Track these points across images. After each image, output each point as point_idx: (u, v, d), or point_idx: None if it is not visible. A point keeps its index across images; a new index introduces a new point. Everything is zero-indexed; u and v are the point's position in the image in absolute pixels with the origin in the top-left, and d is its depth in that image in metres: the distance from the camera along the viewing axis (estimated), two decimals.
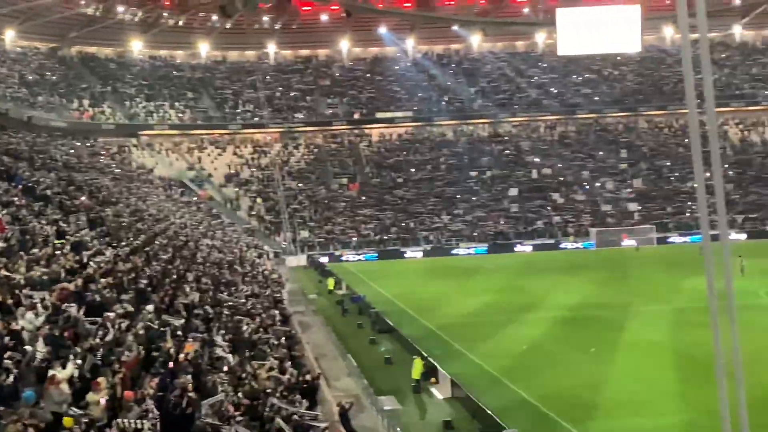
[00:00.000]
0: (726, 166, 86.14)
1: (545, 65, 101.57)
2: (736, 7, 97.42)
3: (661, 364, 32.97)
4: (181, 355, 16.26)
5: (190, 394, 13.71)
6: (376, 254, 76.45)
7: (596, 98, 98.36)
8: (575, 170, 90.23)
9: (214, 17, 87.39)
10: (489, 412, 26.04)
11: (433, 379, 31.41)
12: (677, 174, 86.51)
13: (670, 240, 77.90)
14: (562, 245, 79.17)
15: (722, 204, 4.84)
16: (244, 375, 18.74)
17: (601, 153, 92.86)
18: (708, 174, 4.86)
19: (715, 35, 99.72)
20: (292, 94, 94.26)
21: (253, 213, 79.24)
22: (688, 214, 79.50)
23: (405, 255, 76.81)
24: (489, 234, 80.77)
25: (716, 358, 5.27)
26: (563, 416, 26.87)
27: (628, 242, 77.16)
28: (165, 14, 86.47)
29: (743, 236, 76.81)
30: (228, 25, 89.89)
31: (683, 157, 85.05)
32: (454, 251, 78.18)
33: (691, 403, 26.16)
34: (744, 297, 40.97)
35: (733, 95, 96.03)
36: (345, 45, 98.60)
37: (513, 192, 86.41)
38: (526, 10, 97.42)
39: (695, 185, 5.21)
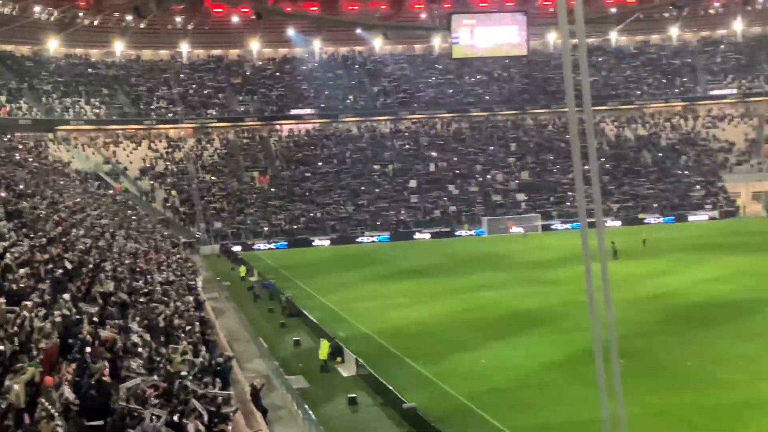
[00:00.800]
0: (602, 159, 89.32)
1: (441, 67, 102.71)
2: (612, 15, 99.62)
3: (545, 341, 33.78)
4: (98, 341, 15.88)
5: (107, 379, 13.45)
6: (286, 243, 76.42)
7: (487, 98, 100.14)
8: (469, 164, 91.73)
9: (129, 17, 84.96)
10: (390, 388, 26.58)
11: (339, 359, 31.82)
12: (559, 167, 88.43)
13: (553, 227, 79.68)
14: (457, 233, 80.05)
15: (598, 194, 5.01)
16: (158, 359, 18.50)
17: (491, 148, 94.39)
18: (586, 167, 4.93)
19: (592, 40, 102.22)
20: (205, 91, 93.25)
21: (168, 205, 77.85)
22: (568, 204, 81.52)
23: (313, 243, 77.01)
24: (391, 223, 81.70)
25: (594, 335, 5.37)
26: (458, 389, 27.50)
27: (515, 230, 78.37)
28: (81, 14, 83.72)
29: (618, 223, 79.17)
30: (142, 25, 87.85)
31: (565, 151, 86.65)
32: (359, 239, 78.84)
33: (574, 377, 26.90)
34: (617, 279, 42.10)
35: (609, 95, 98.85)
36: (255, 45, 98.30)
37: (413, 184, 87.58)
38: (423, 15, 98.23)
39: (575, 177, 5.35)
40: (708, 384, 26.74)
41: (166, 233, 61.04)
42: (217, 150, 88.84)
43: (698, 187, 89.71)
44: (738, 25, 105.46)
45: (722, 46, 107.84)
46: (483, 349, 33.79)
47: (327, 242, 77.96)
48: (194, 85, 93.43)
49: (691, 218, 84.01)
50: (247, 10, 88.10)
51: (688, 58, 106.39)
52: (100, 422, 12.29)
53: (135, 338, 18.84)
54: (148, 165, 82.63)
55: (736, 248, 59.87)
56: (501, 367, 30.56)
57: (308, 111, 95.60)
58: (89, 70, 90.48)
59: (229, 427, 15.71)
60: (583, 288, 5.67)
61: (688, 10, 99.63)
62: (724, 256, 55.64)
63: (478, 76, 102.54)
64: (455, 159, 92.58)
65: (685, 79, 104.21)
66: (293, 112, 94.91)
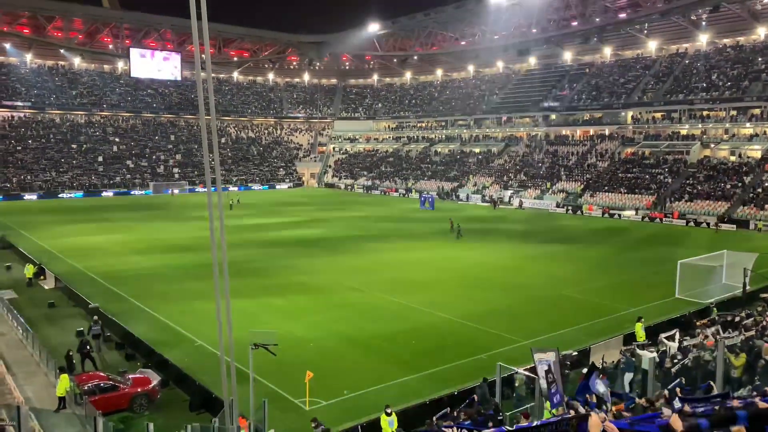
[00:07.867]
0: (227, 150, 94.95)
1: (123, 82, 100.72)
2: (234, 62, 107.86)
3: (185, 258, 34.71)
4: None
5: None
6: (2, 197, 73.79)
7: (154, 105, 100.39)
8: (141, 147, 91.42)
9: None
10: (80, 294, 26.24)
11: (42, 277, 30.57)
12: (201, 152, 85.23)
13: (197, 190, 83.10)
14: (132, 192, 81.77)
15: (218, 169, 4.79)
16: None
17: (157, 137, 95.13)
18: (211, 154, 4.52)
19: (222, 76, 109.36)
20: None
21: None
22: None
23: (24, 198, 74.46)
24: (84, 184, 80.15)
25: (213, 260, 5.16)
26: (126, 291, 27.49)
27: (169, 191, 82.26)
28: None
29: (237, 188, 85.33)
30: None
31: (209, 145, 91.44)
32: (60, 195, 76.90)
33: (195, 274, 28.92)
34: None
35: (232, 110, 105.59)
36: None
37: (101, 159, 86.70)
38: (111, 46, 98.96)
39: (204, 159, 5.22)
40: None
41: None
42: None
43: (282, 170, 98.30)
44: (306, 76, 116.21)
45: (297, 90, 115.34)
46: (146, 263, 33.61)
47: (35, 197, 75.11)
48: None
49: (278, 186, 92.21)
50: None
51: (279, 93, 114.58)
52: None
53: None
54: None
55: (303, 204, 67.16)
56: (159, 274, 30.37)
57: (20, 103, 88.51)
58: None
59: None
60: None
61: (278, 65, 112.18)
62: (297, 207, 63.29)
63: (149, 90, 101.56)
64: (132, 144, 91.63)
65: (275, 105, 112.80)
66: (7, 103, 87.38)
